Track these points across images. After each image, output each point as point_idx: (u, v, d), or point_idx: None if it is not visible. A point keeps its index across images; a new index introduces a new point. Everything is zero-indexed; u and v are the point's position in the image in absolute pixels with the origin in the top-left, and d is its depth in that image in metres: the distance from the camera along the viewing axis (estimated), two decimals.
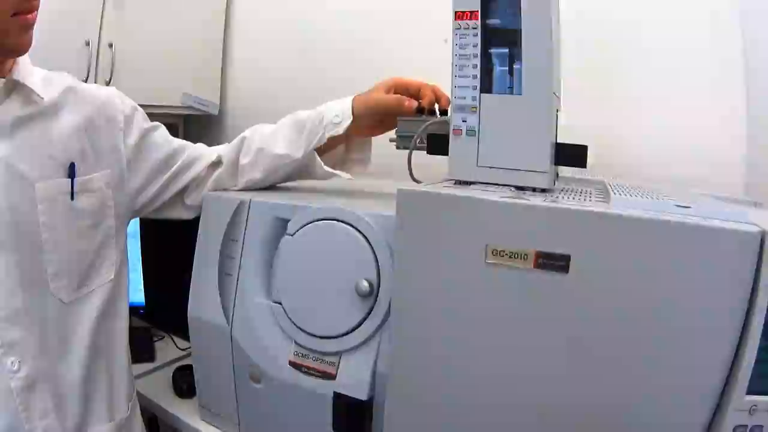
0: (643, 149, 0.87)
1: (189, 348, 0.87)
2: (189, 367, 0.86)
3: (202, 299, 0.74)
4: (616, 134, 0.88)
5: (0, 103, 0.58)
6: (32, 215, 0.60)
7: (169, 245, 0.94)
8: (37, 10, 0.57)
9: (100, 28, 0.99)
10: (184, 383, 0.89)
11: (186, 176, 0.76)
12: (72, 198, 0.63)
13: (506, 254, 0.49)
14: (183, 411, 0.85)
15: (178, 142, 0.77)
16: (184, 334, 0.86)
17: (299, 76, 1.18)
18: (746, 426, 0.42)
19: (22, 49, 0.58)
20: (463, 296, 0.51)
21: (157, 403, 0.87)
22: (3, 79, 0.58)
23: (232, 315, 0.72)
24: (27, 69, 0.61)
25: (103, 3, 0.99)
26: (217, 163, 0.77)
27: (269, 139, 0.76)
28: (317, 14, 1.17)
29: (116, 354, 0.70)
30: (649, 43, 0.88)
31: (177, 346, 1.02)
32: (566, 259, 0.47)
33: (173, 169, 0.75)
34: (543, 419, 0.49)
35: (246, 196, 0.73)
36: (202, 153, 0.78)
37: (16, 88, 0.60)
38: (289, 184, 0.83)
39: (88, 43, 0.99)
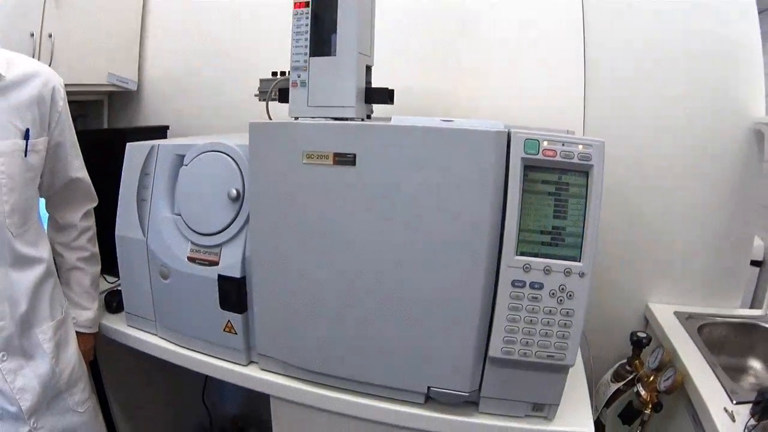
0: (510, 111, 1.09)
1: (115, 281, 1.05)
2: (116, 292, 1.03)
3: (125, 222, 0.91)
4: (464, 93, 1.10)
5: None
6: None
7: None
8: None
9: (42, 21, 1.12)
10: (113, 302, 1.04)
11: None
12: (25, 155, 0.77)
13: (315, 156, 0.68)
14: (114, 322, 1.01)
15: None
16: (112, 272, 1.02)
17: (205, 60, 1.34)
18: (524, 281, 0.61)
19: None
20: (290, 188, 0.70)
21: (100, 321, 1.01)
22: None
23: (147, 229, 0.88)
24: None
25: (44, 0, 1.12)
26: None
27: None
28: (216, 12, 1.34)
29: (54, 274, 0.86)
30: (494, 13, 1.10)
31: (107, 281, 1.14)
32: (353, 156, 0.67)
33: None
34: (360, 278, 0.69)
35: (155, 142, 0.90)
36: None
37: None
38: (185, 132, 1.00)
39: (32, 34, 1.12)
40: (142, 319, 0.96)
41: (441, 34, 1.13)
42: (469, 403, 0.71)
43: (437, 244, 0.63)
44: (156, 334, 0.95)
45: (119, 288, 1.01)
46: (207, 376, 1.29)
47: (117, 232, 0.93)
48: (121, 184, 0.93)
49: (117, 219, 0.93)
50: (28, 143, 0.78)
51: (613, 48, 1.07)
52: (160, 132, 1.26)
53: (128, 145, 0.94)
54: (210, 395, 1.40)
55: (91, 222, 0.95)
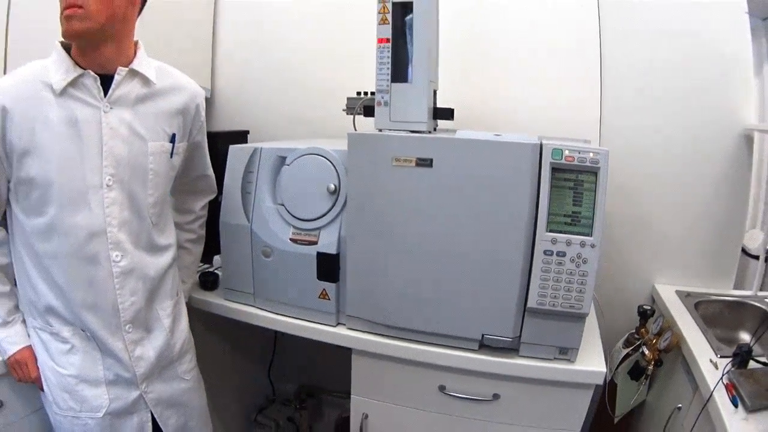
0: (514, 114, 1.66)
1: (203, 265, 1.58)
2: (209, 273, 1.57)
3: (230, 210, 1.43)
4: (495, 103, 1.65)
5: (127, 85, 1.14)
6: (144, 163, 1.17)
7: None
8: (75, 7, 1.04)
9: None
10: (208, 281, 1.57)
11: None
12: (171, 156, 1.23)
13: (402, 160, 1.19)
14: (210, 297, 1.54)
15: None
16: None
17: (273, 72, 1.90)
18: (552, 251, 1.11)
19: (66, 36, 1.08)
20: (382, 187, 1.21)
21: (193, 296, 1.54)
22: (126, 69, 1.13)
23: (252, 217, 1.40)
24: (144, 61, 1.17)
25: None
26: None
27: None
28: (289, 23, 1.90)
29: (176, 258, 1.36)
30: (516, 27, 1.67)
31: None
32: (431, 160, 1.17)
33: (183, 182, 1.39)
34: (433, 251, 1.19)
35: (257, 145, 1.41)
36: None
37: (137, 74, 1.16)
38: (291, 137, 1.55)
39: None
40: (240, 293, 1.49)
41: (470, 56, 1.68)
42: (510, 350, 1.22)
43: (490, 224, 1.14)
44: (254, 305, 1.47)
45: (210, 269, 1.53)
46: (274, 355, 1.86)
47: (222, 219, 1.46)
48: (225, 179, 1.45)
49: (221, 209, 1.45)
50: (174, 146, 1.26)
51: (623, 65, 1.62)
52: (242, 136, 1.81)
53: (231, 147, 1.46)
54: (274, 371, 1.93)
55: (206, 210, 1.48)
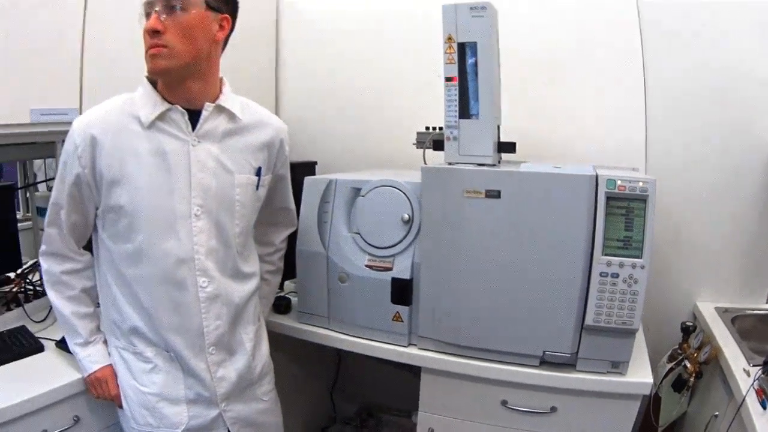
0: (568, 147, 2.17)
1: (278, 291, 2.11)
2: (281, 297, 2.10)
3: (307, 238, 1.96)
4: (549, 136, 2.19)
5: (214, 120, 1.52)
6: (231, 194, 1.55)
7: None
8: (159, 47, 1.43)
9: None
10: (281, 305, 2.09)
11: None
12: (257, 189, 1.63)
13: (472, 192, 1.68)
14: (284, 320, 2.06)
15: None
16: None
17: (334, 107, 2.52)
18: (607, 273, 1.60)
19: (152, 74, 1.51)
20: (453, 216, 1.70)
21: (268, 319, 2.04)
22: (213, 104, 1.52)
23: (328, 244, 1.91)
24: (230, 97, 1.57)
25: None
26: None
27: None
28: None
29: (259, 286, 1.84)
30: (567, 65, 2.23)
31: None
32: (499, 192, 1.66)
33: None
34: (500, 275, 1.68)
35: (331, 177, 1.93)
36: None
37: (224, 110, 1.55)
38: (364, 167, 2.12)
39: None
40: (315, 316, 1.99)
41: (522, 84, 2.22)
42: (567, 365, 1.67)
43: (552, 249, 1.60)
44: (328, 328, 1.97)
45: (281, 294, 2.05)
46: (337, 375, 2.40)
47: (298, 247, 1.97)
48: (302, 209, 1.96)
49: (298, 237, 1.97)
50: (260, 179, 1.66)
51: (667, 93, 2.17)
52: (310, 167, 2.34)
53: (307, 178, 1.98)
54: (336, 392, 2.49)
55: (286, 243, 1.98)
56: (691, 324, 2.00)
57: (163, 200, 1.59)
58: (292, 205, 1.94)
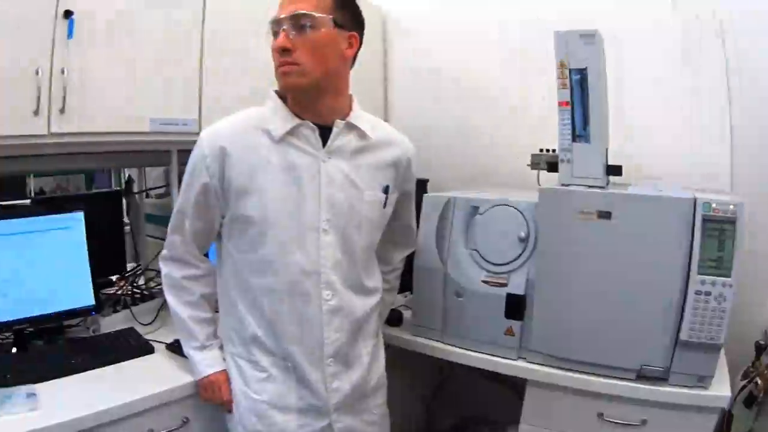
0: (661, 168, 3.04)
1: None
2: (394, 311, 2.96)
3: (425, 254, 2.79)
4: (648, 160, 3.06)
5: (344, 137, 2.15)
6: (359, 211, 2.18)
7: None
8: (290, 64, 2.02)
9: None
10: (393, 318, 2.96)
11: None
12: (384, 206, 2.26)
13: (586, 213, 2.47)
14: (396, 332, 2.93)
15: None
16: None
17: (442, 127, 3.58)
18: (701, 291, 2.32)
19: (284, 90, 2.14)
20: (567, 235, 2.49)
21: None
22: (343, 122, 2.14)
23: (446, 260, 2.75)
24: (360, 115, 2.20)
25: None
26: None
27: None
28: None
29: (380, 301, 2.40)
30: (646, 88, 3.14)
31: None
32: (609, 214, 2.45)
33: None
34: (606, 292, 2.45)
35: (451, 194, 2.78)
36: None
37: (354, 128, 2.17)
38: (473, 185, 3.04)
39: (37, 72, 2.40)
40: (428, 329, 2.82)
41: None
42: (659, 379, 2.36)
43: (654, 267, 2.33)
44: (441, 341, 2.79)
45: (393, 307, 2.89)
46: (437, 388, 3.34)
47: (416, 263, 2.81)
48: (421, 225, 2.78)
49: (416, 253, 2.79)
50: (387, 197, 2.25)
51: (747, 116, 2.91)
52: (422, 184, 3.16)
53: (426, 196, 2.83)
54: (433, 405, 3.39)
55: (404, 263, 2.68)
56: (763, 342, 2.62)
57: (291, 213, 2.15)
58: (414, 224, 2.66)
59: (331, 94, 2.19)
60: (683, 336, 2.31)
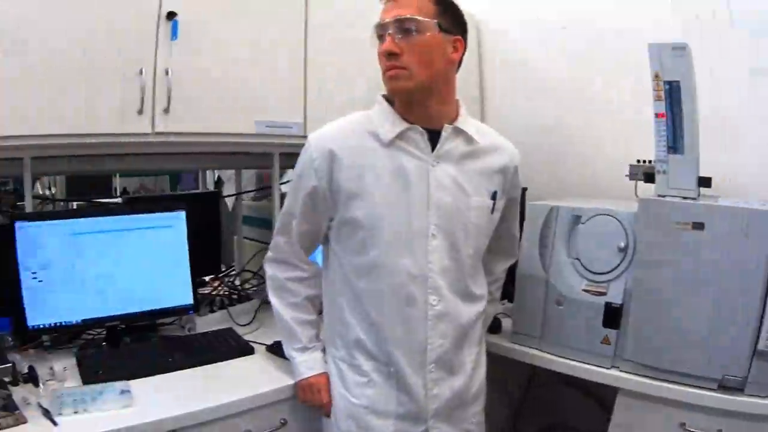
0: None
1: None
2: (493, 318, 3.71)
3: (527, 262, 3.54)
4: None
5: (452, 141, 2.68)
6: (467, 216, 2.73)
7: None
8: (398, 68, 2.51)
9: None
10: (493, 326, 3.68)
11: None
12: (491, 212, 2.82)
13: (681, 224, 3.17)
14: (495, 340, 3.68)
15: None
16: None
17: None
18: None
19: (392, 94, 2.66)
20: (664, 246, 3.18)
21: None
22: (451, 126, 2.67)
23: (548, 269, 3.48)
24: (466, 120, 2.75)
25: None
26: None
27: None
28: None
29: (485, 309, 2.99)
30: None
31: None
32: (703, 224, 3.14)
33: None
34: (697, 301, 3.12)
35: (554, 204, 3.53)
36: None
37: (461, 132, 2.70)
38: (576, 194, 3.83)
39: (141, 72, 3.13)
40: (527, 336, 3.57)
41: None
42: (736, 389, 2.93)
43: (739, 276, 2.96)
44: (538, 348, 3.52)
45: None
46: (525, 396, 4.29)
47: (518, 272, 3.56)
48: (524, 234, 3.53)
49: (519, 262, 3.54)
50: (495, 204, 2.80)
51: None
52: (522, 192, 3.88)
53: (529, 204, 3.58)
54: (518, 411, 4.19)
55: (505, 274, 3.32)
56: None
57: (400, 217, 2.56)
58: (517, 233, 3.22)
59: (438, 98, 2.62)
60: (761, 346, 2.82)
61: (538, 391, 4.24)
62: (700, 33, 3.66)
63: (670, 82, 2.95)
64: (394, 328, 2.65)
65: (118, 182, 7.72)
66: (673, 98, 2.99)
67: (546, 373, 3.51)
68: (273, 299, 2.91)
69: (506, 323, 3.80)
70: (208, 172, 5.93)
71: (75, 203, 5.27)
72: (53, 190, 5.79)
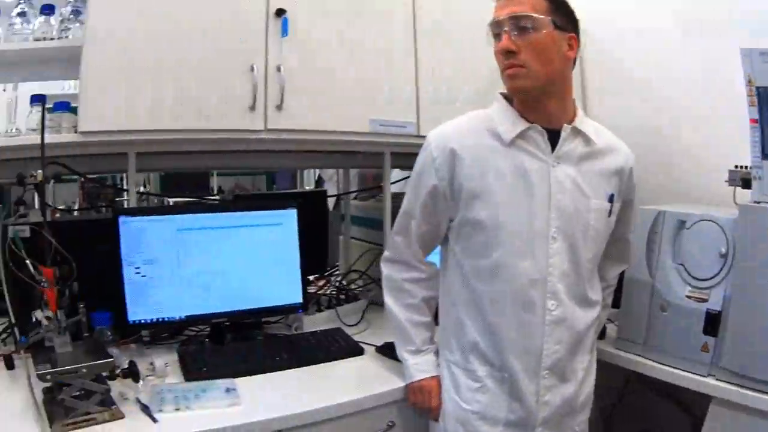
0: None
1: None
2: None
3: (635, 268, 4.34)
4: None
5: (571, 142, 3.34)
6: (587, 219, 3.38)
7: None
8: (516, 66, 3.09)
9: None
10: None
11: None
12: (609, 215, 3.48)
13: None
14: (599, 345, 4.34)
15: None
16: None
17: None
18: None
19: (511, 92, 3.32)
20: (763, 253, 3.97)
21: None
22: (570, 126, 3.31)
23: (655, 273, 4.36)
24: (584, 120, 3.43)
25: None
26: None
27: None
28: None
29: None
30: None
31: None
32: None
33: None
34: None
35: (661, 208, 4.40)
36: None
37: (579, 133, 3.36)
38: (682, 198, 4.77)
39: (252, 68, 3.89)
40: (631, 342, 4.43)
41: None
42: None
43: None
44: (640, 354, 4.36)
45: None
46: (619, 402, 5.36)
47: (627, 276, 4.43)
48: (631, 238, 4.42)
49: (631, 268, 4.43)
50: (612, 206, 3.45)
51: None
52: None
53: (639, 208, 4.47)
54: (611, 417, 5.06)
55: (617, 281, 4.09)
56: None
57: (522, 218, 2.99)
58: (631, 237, 3.80)
59: (557, 97, 3.06)
60: None
61: (630, 398, 4.86)
62: None
63: (759, 88, 3.43)
64: (511, 333, 3.14)
65: (215, 181, 8.70)
66: (763, 104, 3.47)
67: (640, 380, 4.17)
68: (388, 299, 3.42)
69: (610, 329, 4.42)
70: (306, 171, 6.60)
71: (176, 200, 6.18)
72: (148, 188, 6.74)
